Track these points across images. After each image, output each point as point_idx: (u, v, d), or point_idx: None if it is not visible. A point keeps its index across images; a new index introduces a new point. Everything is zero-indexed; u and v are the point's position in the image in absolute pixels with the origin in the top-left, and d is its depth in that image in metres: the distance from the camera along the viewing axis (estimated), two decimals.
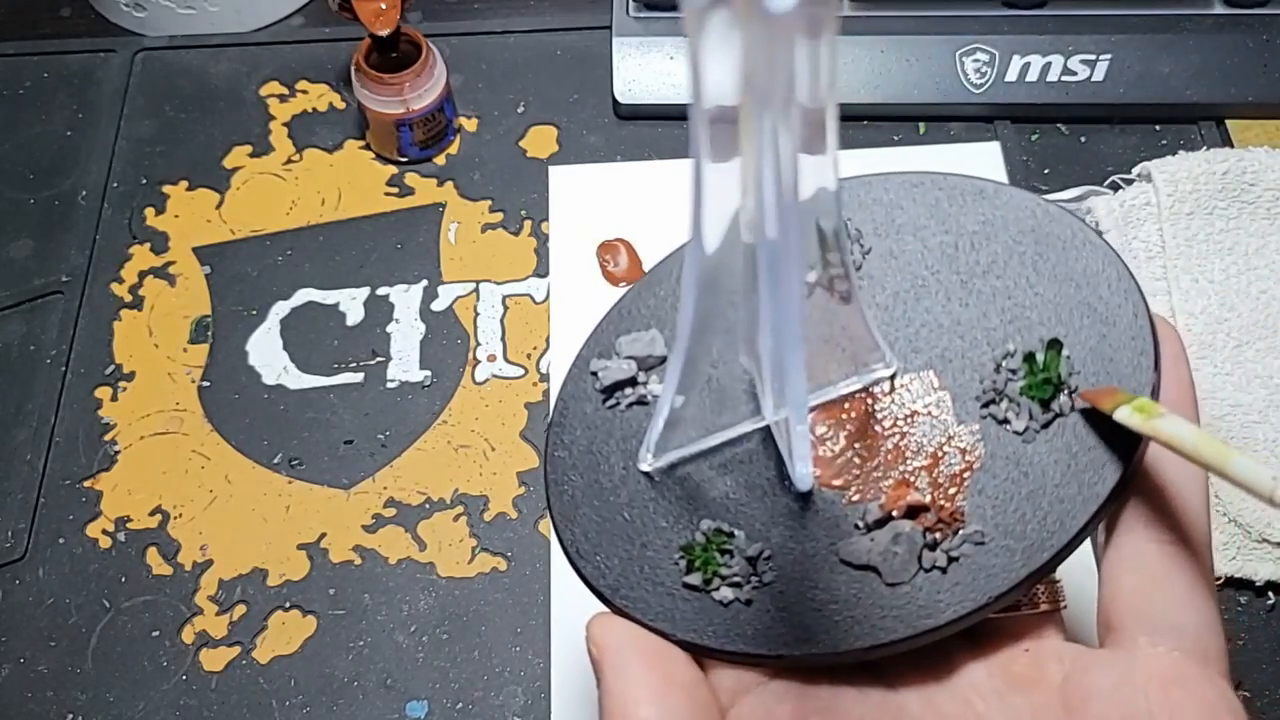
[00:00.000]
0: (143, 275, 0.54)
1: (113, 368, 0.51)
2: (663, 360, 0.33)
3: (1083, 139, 0.56)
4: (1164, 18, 0.57)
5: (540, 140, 0.57)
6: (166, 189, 0.56)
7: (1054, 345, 0.31)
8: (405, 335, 0.52)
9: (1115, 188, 0.53)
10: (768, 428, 0.32)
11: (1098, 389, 0.30)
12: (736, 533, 0.31)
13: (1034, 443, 0.30)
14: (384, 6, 0.52)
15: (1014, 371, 0.31)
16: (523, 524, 0.47)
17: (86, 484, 0.49)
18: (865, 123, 0.57)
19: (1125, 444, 0.29)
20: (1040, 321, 0.31)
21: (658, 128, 0.57)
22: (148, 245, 0.55)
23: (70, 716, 0.44)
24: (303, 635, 0.45)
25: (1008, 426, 0.31)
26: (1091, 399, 0.30)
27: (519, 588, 0.46)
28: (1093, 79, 0.56)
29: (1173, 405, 0.29)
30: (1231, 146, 0.55)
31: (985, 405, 0.31)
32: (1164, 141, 0.56)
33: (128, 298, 0.53)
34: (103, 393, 0.51)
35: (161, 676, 0.45)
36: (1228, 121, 0.56)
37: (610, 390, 0.33)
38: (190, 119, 0.58)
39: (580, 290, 0.52)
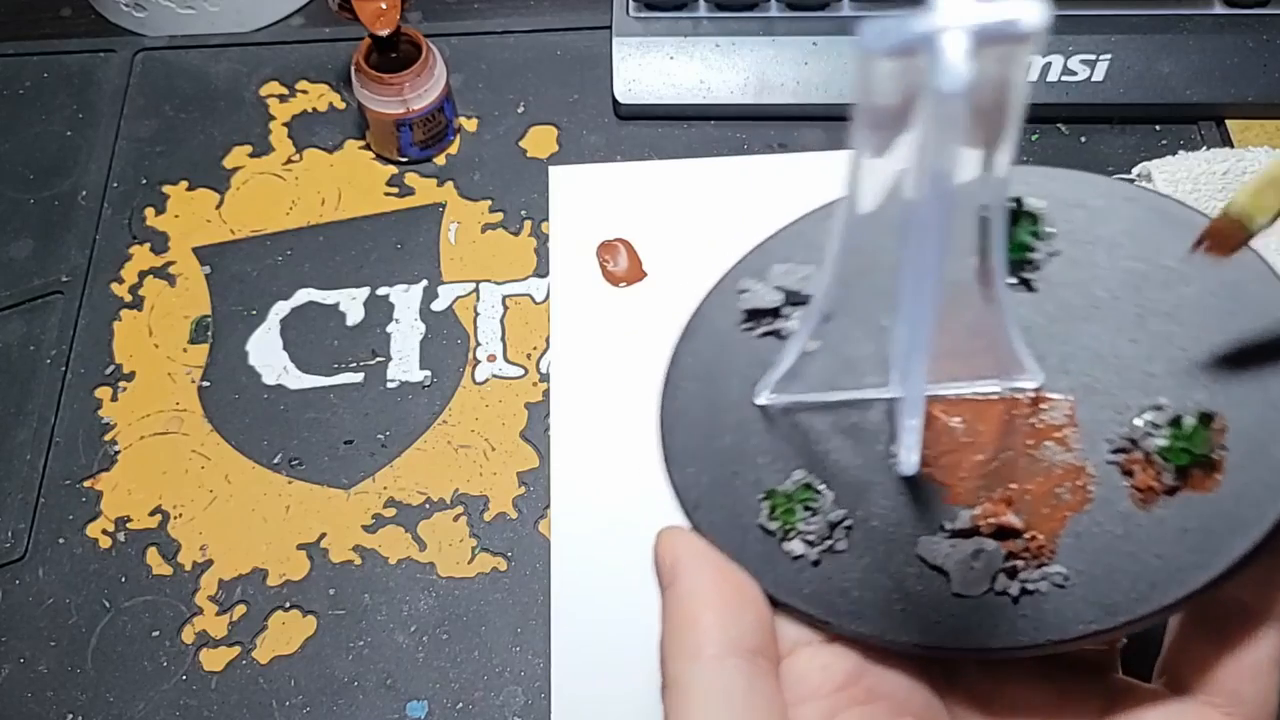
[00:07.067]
0: (143, 275, 0.54)
1: (113, 368, 0.51)
2: (809, 300, 0.32)
3: (1083, 139, 0.56)
4: (1164, 18, 0.57)
5: (540, 140, 0.57)
6: (166, 189, 0.56)
7: (1205, 420, 0.29)
8: (405, 335, 0.52)
9: None
10: (893, 401, 0.31)
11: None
12: (826, 493, 0.30)
13: (1150, 506, 0.29)
14: (384, 6, 0.52)
15: (1157, 427, 0.29)
16: (523, 524, 0.47)
17: (86, 484, 0.49)
18: None
19: (1240, 541, 0.27)
20: (1204, 385, 0.29)
21: (658, 128, 0.57)
22: (148, 245, 0.55)
23: (70, 716, 0.44)
24: (303, 635, 0.45)
25: (1129, 480, 0.29)
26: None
27: (519, 588, 0.46)
28: (1093, 79, 0.56)
29: None
30: (1231, 146, 0.55)
31: (1115, 451, 0.30)
32: (1164, 141, 0.56)
33: (128, 298, 0.53)
34: (103, 393, 0.51)
35: (161, 676, 0.45)
36: (1228, 121, 0.56)
37: (750, 315, 0.32)
38: (190, 119, 0.58)
39: (580, 290, 0.52)
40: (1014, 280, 0.31)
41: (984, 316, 0.28)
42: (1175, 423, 0.29)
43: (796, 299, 0.32)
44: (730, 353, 0.32)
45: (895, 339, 0.29)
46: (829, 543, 0.30)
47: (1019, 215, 0.31)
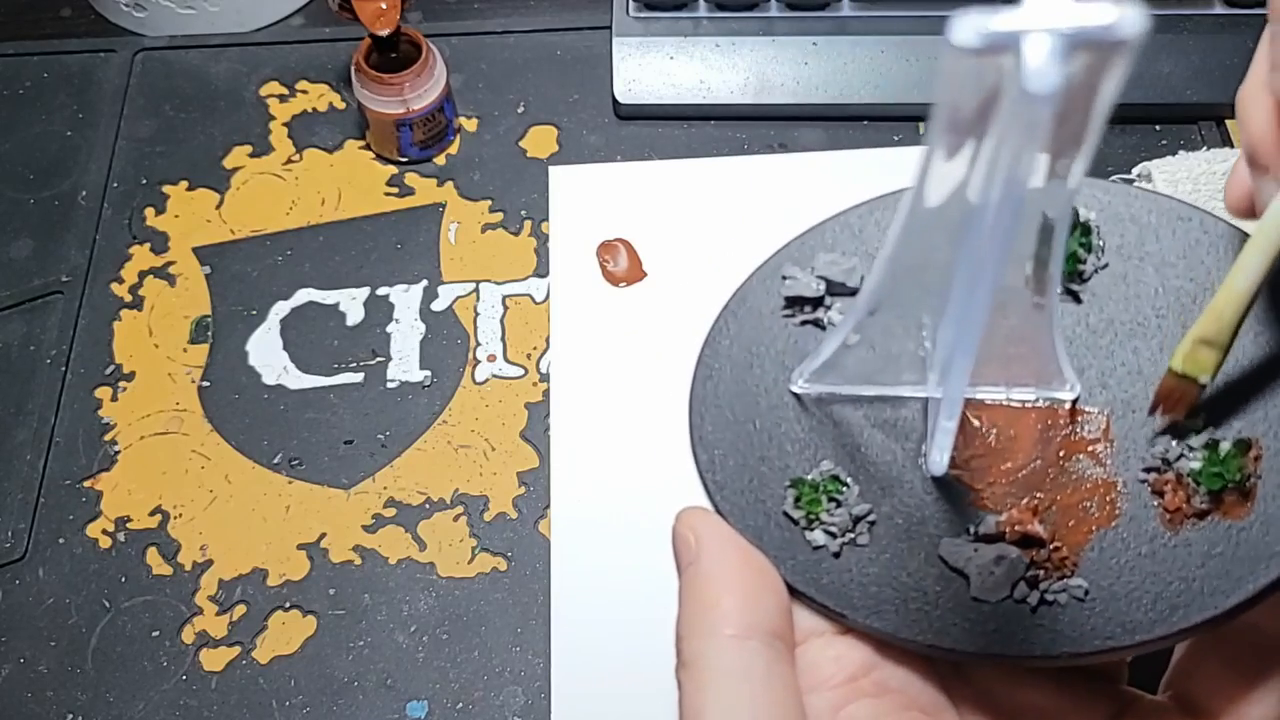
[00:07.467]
0: (143, 275, 0.54)
1: (113, 368, 0.51)
2: (853, 292, 0.32)
3: None
4: (1164, 18, 0.57)
5: (540, 140, 0.57)
6: (166, 189, 0.56)
7: (1242, 446, 0.29)
8: (405, 335, 0.52)
9: None
10: (929, 400, 0.31)
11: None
12: (852, 485, 0.30)
13: (1178, 528, 0.29)
14: (384, 6, 0.52)
15: (1192, 449, 0.29)
16: (523, 524, 0.47)
17: (86, 484, 0.49)
18: (865, 123, 0.57)
19: (1265, 570, 0.27)
20: (1245, 411, 0.29)
21: (658, 128, 0.57)
22: (148, 245, 0.55)
23: (70, 716, 0.44)
24: (303, 635, 0.45)
25: (1159, 500, 0.29)
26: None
27: (519, 588, 0.46)
28: None
29: None
30: (1231, 146, 0.55)
31: (1147, 470, 0.30)
32: (1164, 141, 0.56)
33: (128, 298, 0.53)
34: (103, 393, 0.51)
35: (161, 676, 0.45)
36: (1228, 121, 0.56)
37: (791, 302, 0.32)
38: (190, 119, 0.58)
39: (580, 290, 0.52)
40: (1060, 290, 0.31)
41: (1030, 324, 0.28)
42: (1211, 446, 0.29)
43: (838, 290, 0.32)
44: (768, 338, 0.32)
45: (939, 339, 0.29)
46: (851, 535, 0.30)
47: (1071, 225, 0.31)
